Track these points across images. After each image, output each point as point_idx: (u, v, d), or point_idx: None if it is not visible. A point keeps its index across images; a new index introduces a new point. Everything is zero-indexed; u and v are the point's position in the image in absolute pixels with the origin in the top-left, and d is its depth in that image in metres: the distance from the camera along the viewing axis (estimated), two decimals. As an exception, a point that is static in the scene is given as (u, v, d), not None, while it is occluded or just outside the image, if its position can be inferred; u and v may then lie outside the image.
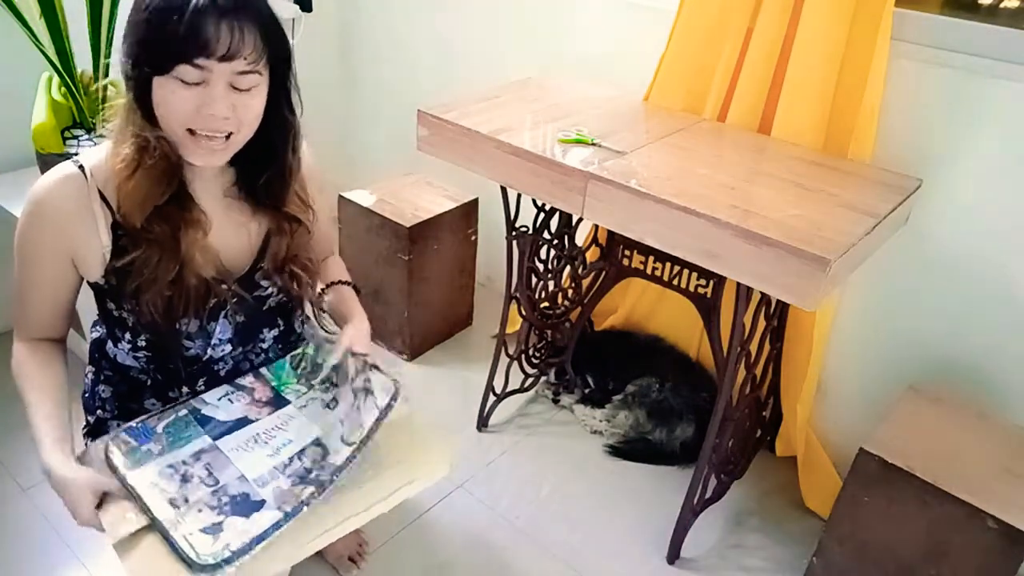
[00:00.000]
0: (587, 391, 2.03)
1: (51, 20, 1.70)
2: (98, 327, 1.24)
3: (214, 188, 1.13)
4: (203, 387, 1.21)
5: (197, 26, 0.92)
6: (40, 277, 1.09)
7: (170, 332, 1.12)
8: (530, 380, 2.04)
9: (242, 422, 1.14)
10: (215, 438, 1.10)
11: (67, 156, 1.76)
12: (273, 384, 1.21)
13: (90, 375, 1.28)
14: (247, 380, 1.21)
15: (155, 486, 1.01)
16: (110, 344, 1.20)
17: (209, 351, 1.17)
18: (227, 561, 0.93)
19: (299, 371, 1.23)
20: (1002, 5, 1.56)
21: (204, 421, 1.13)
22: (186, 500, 1.00)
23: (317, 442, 1.11)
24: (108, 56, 1.78)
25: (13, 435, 1.79)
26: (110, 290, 1.10)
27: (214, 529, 0.97)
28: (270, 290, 1.20)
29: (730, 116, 1.65)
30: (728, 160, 1.51)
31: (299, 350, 1.25)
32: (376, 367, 1.15)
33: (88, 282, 1.11)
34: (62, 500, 1.01)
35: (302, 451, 1.09)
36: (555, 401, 2.07)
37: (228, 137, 1.02)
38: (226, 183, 1.14)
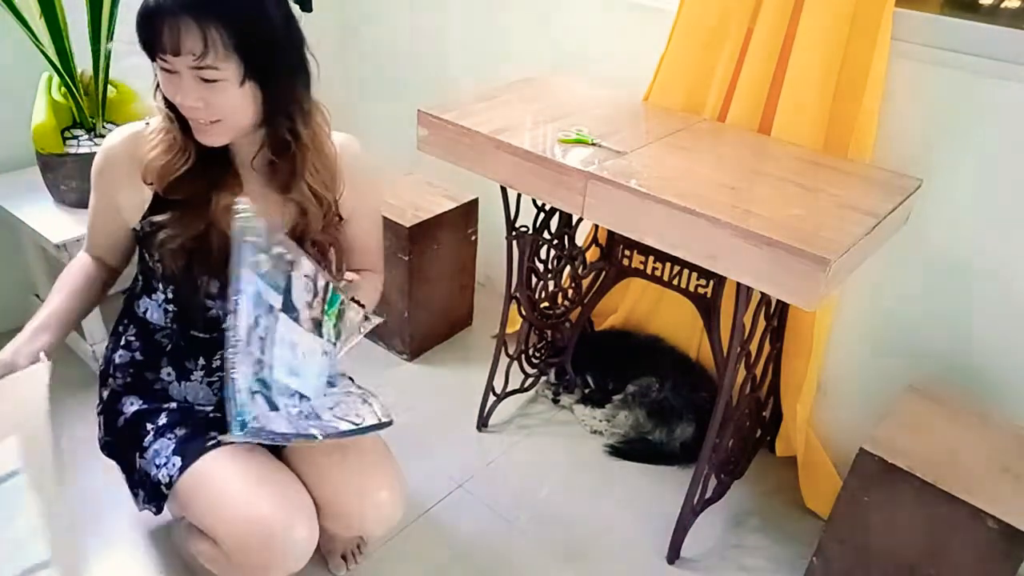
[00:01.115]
0: (587, 391, 2.03)
1: (51, 20, 1.70)
2: (137, 278, 1.34)
3: (253, 160, 1.23)
4: (219, 361, 1.29)
5: (145, 25, 1.04)
6: (97, 208, 1.28)
7: (190, 287, 1.23)
8: (530, 380, 2.04)
9: (295, 313, 1.16)
10: (282, 309, 1.13)
11: (67, 156, 1.77)
12: (325, 307, 1.24)
13: (108, 345, 1.38)
14: (321, 282, 1.22)
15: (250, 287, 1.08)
16: (144, 298, 1.30)
17: (230, 318, 1.21)
18: (245, 431, 1.02)
19: (337, 315, 1.27)
20: (1002, 5, 1.56)
21: (287, 287, 1.14)
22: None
23: (307, 399, 1.19)
24: (108, 56, 1.78)
25: (13, 435, 1.79)
26: (145, 238, 1.22)
27: (250, 393, 1.05)
28: None
29: (730, 116, 1.65)
30: (728, 160, 1.51)
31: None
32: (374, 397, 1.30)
33: (131, 228, 1.25)
34: None
35: (300, 394, 1.17)
36: (555, 401, 2.07)
37: (213, 123, 1.11)
38: (265, 158, 1.23)
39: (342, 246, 1.36)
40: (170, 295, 1.27)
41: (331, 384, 1.27)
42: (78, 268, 1.30)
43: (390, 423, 1.25)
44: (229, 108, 1.09)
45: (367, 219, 1.40)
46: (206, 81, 1.06)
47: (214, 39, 1.03)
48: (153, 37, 1.03)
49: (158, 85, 1.12)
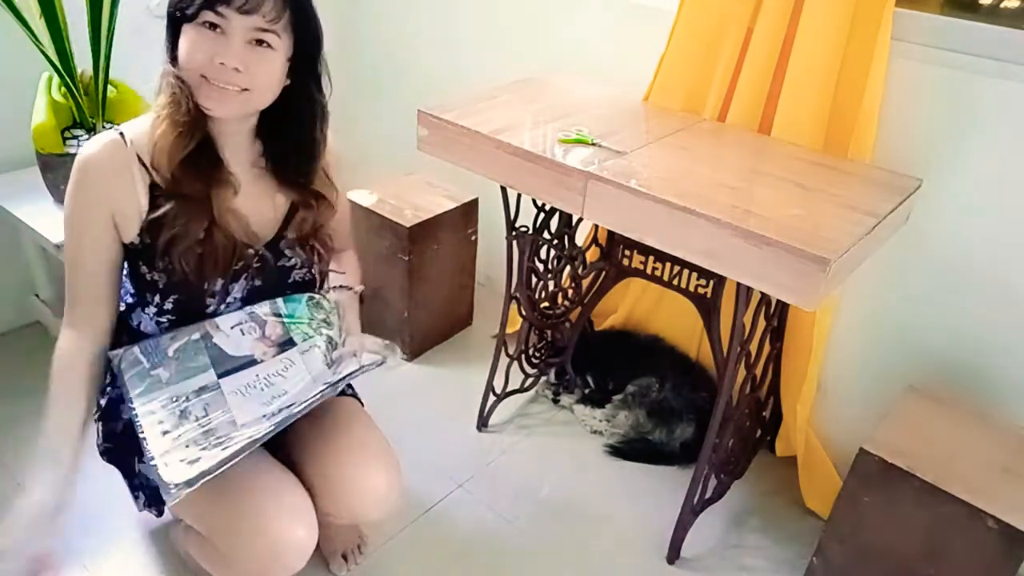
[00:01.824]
0: (587, 391, 2.03)
1: (51, 20, 1.69)
2: (124, 298, 1.30)
3: (243, 157, 1.22)
4: None
5: None
6: (88, 241, 1.17)
7: (197, 289, 1.20)
8: (530, 380, 2.04)
9: (248, 362, 1.21)
10: (219, 376, 1.18)
11: (67, 156, 1.77)
12: (285, 320, 1.25)
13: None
14: (263, 310, 1.25)
15: (154, 414, 1.13)
16: (137, 312, 1.26)
17: (222, 307, 1.23)
18: (190, 483, 1.04)
19: (312, 312, 1.28)
20: (1002, 5, 1.56)
21: (213, 351, 1.20)
22: (178, 436, 1.11)
23: (290, 407, 1.17)
24: (108, 56, 1.78)
25: (13, 435, 1.79)
26: (144, 250, 1.18)
27: (192, 462, 1.07)
28: (294, 260, 1.28)
29: (730, 116, 1.65)
30: (728, 160, 1.51)
31: (318, 295, 1.32)
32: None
33: (125, 245, 1.19)
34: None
35: (291, 405, 1.16)
36: (555, 401, 2.07)
37: (242, 91, 1.10)
38: (255, 154, 1.24)
39: (330, 246, 1.35)
40: (168, 305, 1.22)
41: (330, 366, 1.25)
42: (74, 364, 1.19)
43: (380, 363, 1.22)
44: (266, 79, 1.12)
45: (342, 205, 1.41)
46: (259, 44, 1.08)
47: (288, 9, 1.09)
48: None
49: (173, 57, 1.10)
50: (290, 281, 1.30)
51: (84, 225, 1.16)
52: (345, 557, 1.54)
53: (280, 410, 1.15)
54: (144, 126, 1.16)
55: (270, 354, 1.22)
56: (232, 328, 1.22)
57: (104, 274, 1.20)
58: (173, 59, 1.11)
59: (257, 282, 1.26)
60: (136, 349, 1.19)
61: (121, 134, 1.15)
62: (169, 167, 1.13)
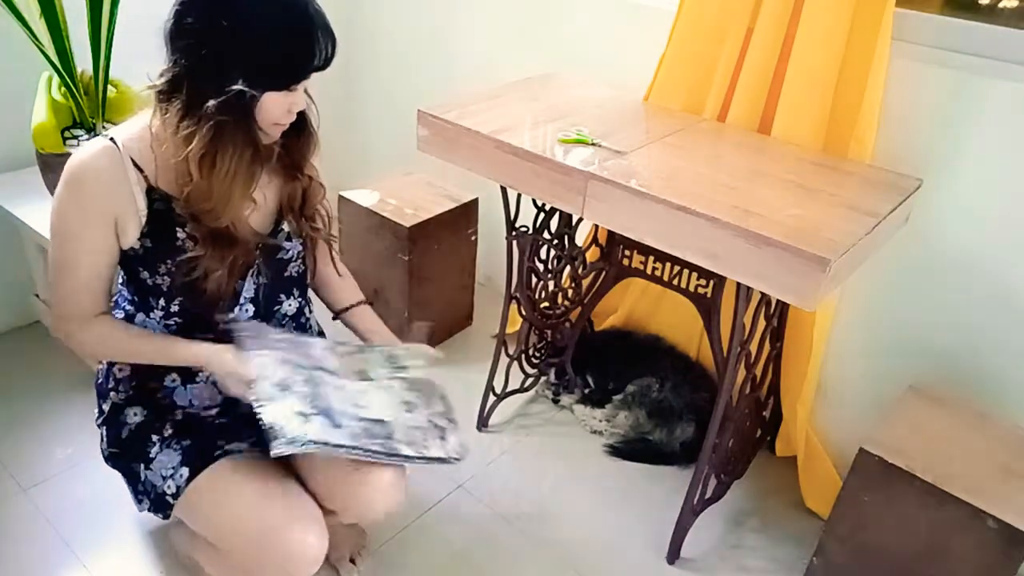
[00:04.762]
0: (587, 391, 2.03)
1: (51, 20, 1.69)
2: (122, 305, 1.30)
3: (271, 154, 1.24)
4: None
5: (305, 43, 1.08)
6: (85, 247, 1.15)
7: (215, 296, 1.20)
8: (530, 380, 2.04)
9: (336, 375, 1.25)
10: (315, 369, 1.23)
11: (67, 156, 1.76)
12: (364, 367, 1.31)
13: (103, 362, 1.34)
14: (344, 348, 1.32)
15: (266, 368, 1.16)
16: (140, 316, 1.26)
17: (236, 310, 1.25)
18: (294, 443, 1.06)
19: (387, 361, 1.34)
20: (1002, 5, 1.56)
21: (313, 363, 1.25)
22: (290, 388, 1.15)
23: (382, 423, 1.20)
24: (108, 56, 1.78)
25: (13, 435, 1.79)
26: (145, 255, 1.18)
27: (303, 416, 1.11)
28: (291, 253, 1.30)
29: (730, 116, 1.65)
30: (728, 160, 1.51)
31: (391, 349, 1.37)
32: (454, 424, 1.31)
33: (123, 250, 1.18)
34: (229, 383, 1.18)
35: (371, 419, 1.19)
36: (555, 401, 2.07)
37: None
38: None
39: (329, 214, 1.39)
40: (175, 308, 1.23)
41: (409, 411, 1.28)
42: (115, 328, 1.22)
43: (455, 460, 1.24)
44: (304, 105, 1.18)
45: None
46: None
47: None
48: (314, 54, 1.08)
49: (223, 104, 1.06)
50: (286, 275, 1.32)
51: (80, 232, 1.15)
52: (353, 560, 1.55)
53: (362, 419, 1.18)
54: (133, 130, 1.15)
55: (353, 379, 1.27)
56: (322, 349, 1.30)
57: (97, 279, 1.19)
58: (222, 105, 1.07)
59: (263, 279, 1.27)
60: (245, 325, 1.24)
61: (111, 139, 1.14)
62: (227, 206, 1.14)
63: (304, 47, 1.08)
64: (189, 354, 1.20)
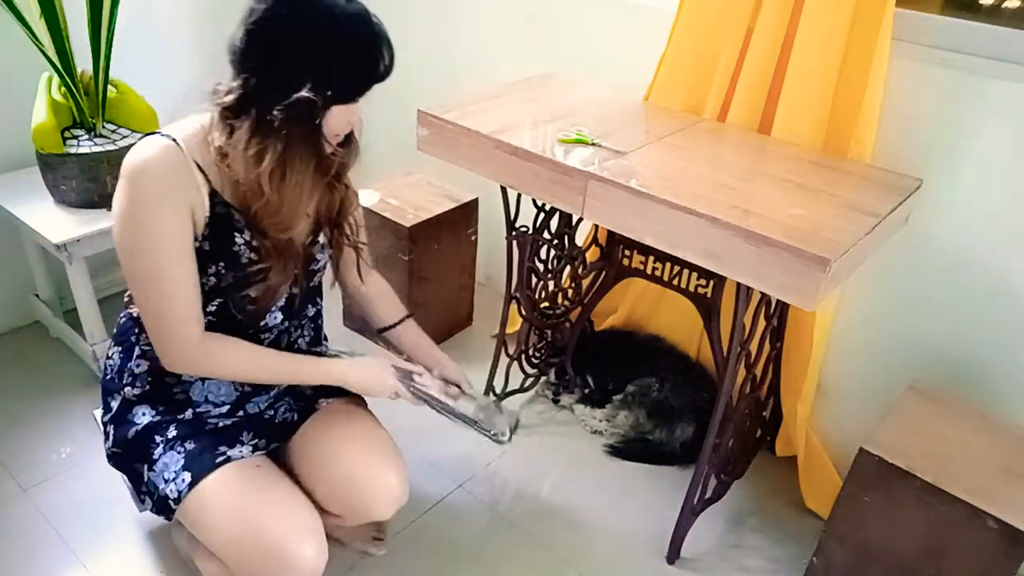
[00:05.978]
0: (587, 391, 2.03)
1: (51, 20, 1.69)
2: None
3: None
4: None
5: (376, 53, 1.11)
6: (176, 248, 1.12)
7: (267, 301, 1.23)
8: (530, 380, 2.04)
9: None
10: None
11: (67, 156, 1.77)
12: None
13: (117, 355, 1.33)
14: None
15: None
16: None
17: (267, 316, 1.26)
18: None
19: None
20: (1002, 5, 1.56)
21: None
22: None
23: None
24: (108, 56, 1.78)
25: (13, 435, 1.79)
26: (199, 255, 1.16)
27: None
28: (322, 262, 1.33)
29: (730, 116, 1.65)
30: (728, 160, 1.51)
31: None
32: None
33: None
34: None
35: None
36: (555, 401, 2.07)
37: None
38: None
39: (360, 222, 1.41)
40: (211, 308, 1.21)
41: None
42: (224, 345, 1.22)
43: (496, 437, 1.41)
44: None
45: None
46: None
47: None
48: (381, 66, 1.11)
49: (289, 116, 1.07)
50: (311, 284, 1.34)
51: (166, 231, 1.11)
52: (375, 537, 1.57)
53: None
54: (190, 132, 1.14)
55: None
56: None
57: (195, 287, 1.16)
58: (292, 120, 1.07)
59: (295, 289, 1.28)
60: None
61: (174, 139, 1.12)
62: (295, 217, 1.16)
63: (373, 60, 1.10)
64: (318, 371, 1.28)
